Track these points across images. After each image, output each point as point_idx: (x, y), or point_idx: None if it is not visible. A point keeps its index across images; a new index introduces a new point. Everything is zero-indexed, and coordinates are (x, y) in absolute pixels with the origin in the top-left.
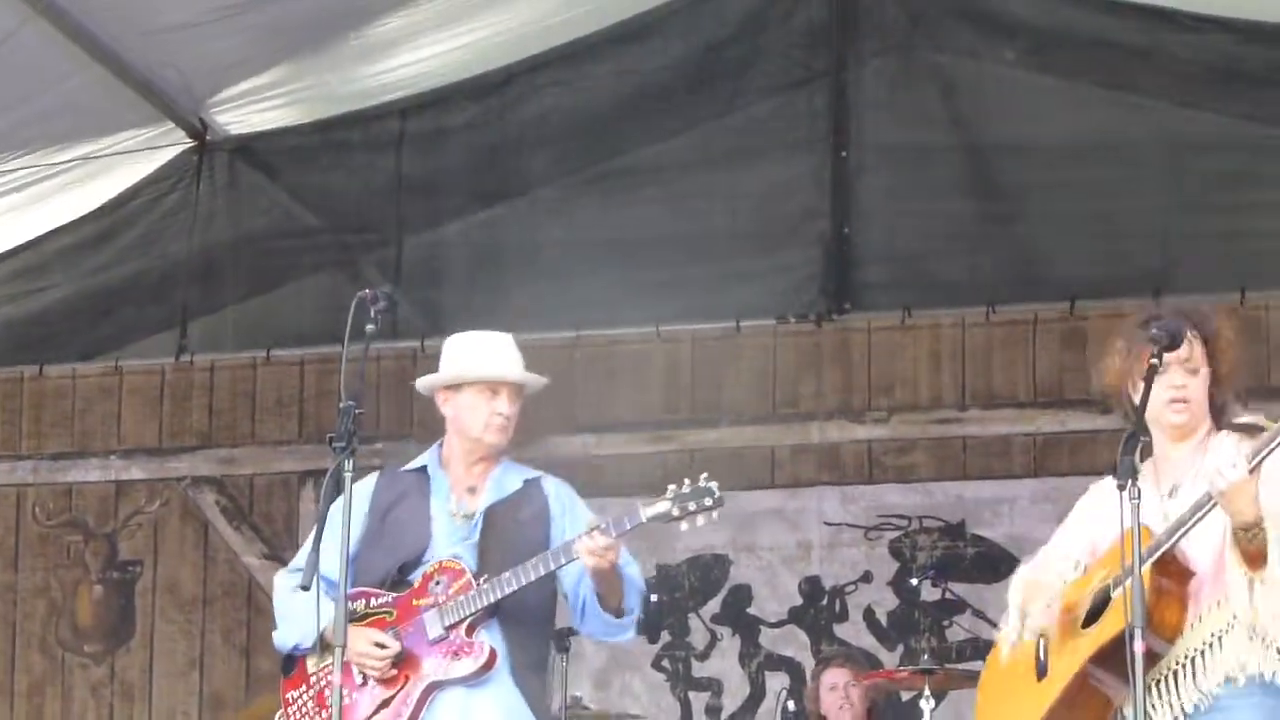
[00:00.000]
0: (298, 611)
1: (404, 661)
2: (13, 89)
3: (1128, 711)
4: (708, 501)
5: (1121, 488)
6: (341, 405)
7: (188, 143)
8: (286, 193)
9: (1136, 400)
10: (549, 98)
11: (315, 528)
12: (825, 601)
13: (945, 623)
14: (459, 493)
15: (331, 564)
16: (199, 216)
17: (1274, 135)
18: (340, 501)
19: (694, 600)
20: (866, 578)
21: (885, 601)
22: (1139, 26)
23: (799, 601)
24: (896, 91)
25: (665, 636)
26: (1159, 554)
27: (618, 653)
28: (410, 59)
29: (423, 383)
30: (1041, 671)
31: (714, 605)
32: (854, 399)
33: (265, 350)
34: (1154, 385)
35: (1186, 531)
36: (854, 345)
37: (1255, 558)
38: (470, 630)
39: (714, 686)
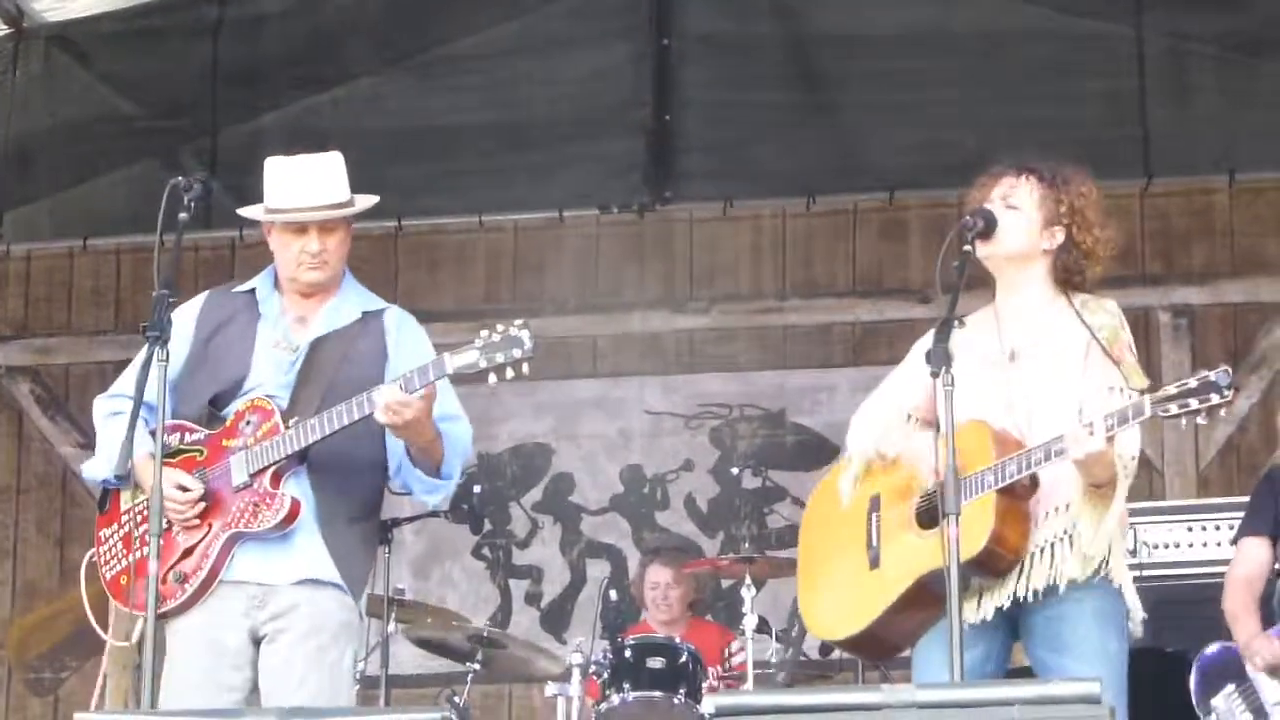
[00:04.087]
0: (110, 442)
1: (210, 508)
2: None
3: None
4: (517, 353)
5: (935, 375)
6: (155, 294)
7: (3, 30)
8: (103, 81)
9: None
10: None
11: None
12: (646, 490)
13: (765, 510)
14: (288, 321)
15: (150, 389)
16: (14, 104)
17: (1092, 26)
18: (183, 328)
19: (515, 489)
20: (688, 466)
21: (706, 489)
22: None
23: (620, 489)
24: None
25: (486, 525)
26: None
27: (437, 541)
28: None
29: (243, 212)
30: (874, 560)
31: (535, 494)
32: (676, 289)
33: (82, 240)
34: None
35: (1033, 469)
36: (676, 235)
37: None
38: (275, 479)
39: (534, 574)
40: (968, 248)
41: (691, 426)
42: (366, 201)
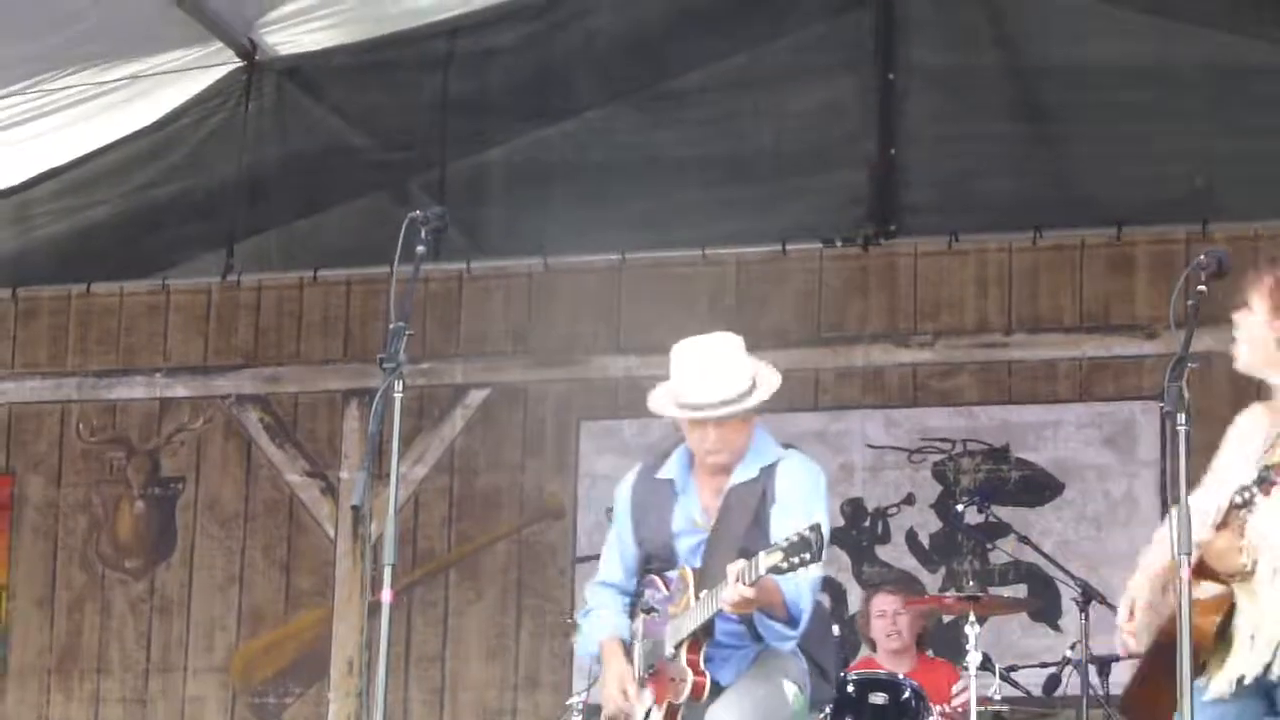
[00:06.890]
0: (592, 624)
1: (658, 673)
2: (63, 7)
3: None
4: (806, 555)
5: (1169, 415)
6: (392, 326)
7: (237, 63)
8: (334, 113)
9: None
10: (597, 19)
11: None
12: (868, 523)
13: (988, 546)
14: (700, 500)
15: (614, 570)
16: (247, 136)
17: None
18: (620, 509)
19: None
20: (909, 500)
21: (928, 524)
22: None
23: (841, 523)
24: (943, 14)
25: None
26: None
27: None
28: None
29: (652, 408)
30: None
31: None
32: (899, 322)
33: (312, 270)
34: None
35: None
36: (900, 269)
37: None
38: (693, 650)
39: None
40: (1202, 286)
41: (914, 461)
42: (767, 390)
